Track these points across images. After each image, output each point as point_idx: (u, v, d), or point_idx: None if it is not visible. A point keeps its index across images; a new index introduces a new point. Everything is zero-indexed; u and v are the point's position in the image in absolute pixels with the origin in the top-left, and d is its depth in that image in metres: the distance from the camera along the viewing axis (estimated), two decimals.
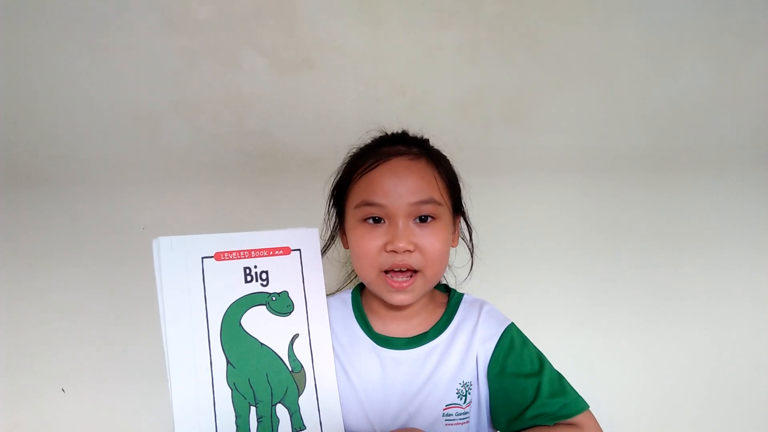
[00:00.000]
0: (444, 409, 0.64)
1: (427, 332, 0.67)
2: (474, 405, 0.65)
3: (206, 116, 1.02)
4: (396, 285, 0.62)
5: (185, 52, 1.00)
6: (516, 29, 1.07)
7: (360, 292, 0.73)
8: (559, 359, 0.68)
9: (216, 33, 1.00)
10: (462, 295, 0.72)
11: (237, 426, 0.57)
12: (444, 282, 0.77)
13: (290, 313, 0.63)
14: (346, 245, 0.70)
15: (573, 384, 0.64)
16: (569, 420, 0.60)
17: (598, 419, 0.62)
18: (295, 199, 1.02)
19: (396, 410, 0.64)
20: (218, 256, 0.60)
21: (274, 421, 0.59)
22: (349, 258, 0.69)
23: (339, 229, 0.72)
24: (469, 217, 0.74)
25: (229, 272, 0.60)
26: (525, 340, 0.67)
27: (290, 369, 0.61)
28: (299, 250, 0.64)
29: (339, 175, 0.70)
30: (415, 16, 1.04)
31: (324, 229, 0.73)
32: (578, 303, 1.09)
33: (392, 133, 0.70)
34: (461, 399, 0.64)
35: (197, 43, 1.00)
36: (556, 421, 0.60)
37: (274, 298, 0.62)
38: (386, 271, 0.63)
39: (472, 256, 0.77)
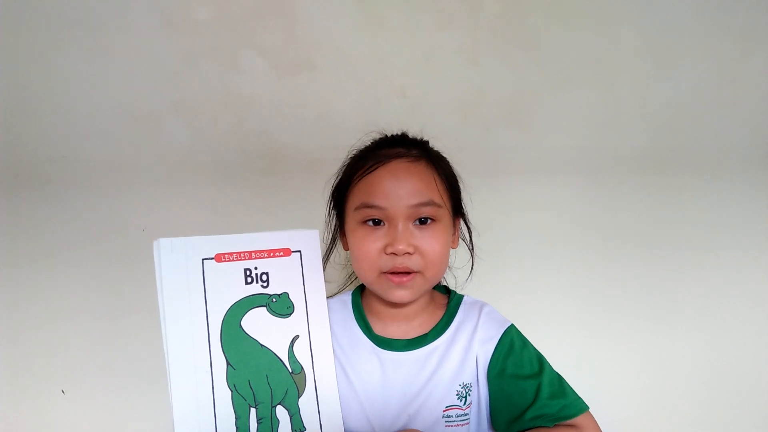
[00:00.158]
0: (444, 411, 0.64)
1: (427, 334, 0.67)
2: (474, 406, 0.65)
3: (206, 117, 1.02)
4: (396, 280, 0.62)
5: (185, 52, 1.00)
6: (516, 30, 1.07)
7: (360, 293, 0.73)
8: (558, 360, 0.68)
9: (216, 34, 1.00)
10: (462, 296, 0.72)
11: (237, 427, 0.57)
12: (444, 283, 0.77)
13: (290, 314, 0.63)
14: (346, 247, 0.70)
15: (573, 385, 0.64)
16: (569, 421, 0.60)
17: (597, 420, 0.62)
18: (296, 200, 1.02)
19: (396, 412, 0.65)
20: (218, 258, 0.60)
21: (274, 423, 0.59)
22: (349, 260, 0.69)
23: (339, 231, 0.72)
24: (469, 217, 0.74)
25: (230, 274, 0.61)
26: (525, 342, 0.67)
27: (290, 370, 0.61)
28: (300, 251, 0.65)
29: (339, 177, 0.70)
30: (414, 17, 1.04)
31: (325, 233, 0.73)
32: (578, 304, 1.09)
33: (392, 135, 0.70)
34: (461, 400, 0.64)
35: (197, 43, 1.00)
36: (556, 423, 0.60)
37: (274, 300, 0.62)
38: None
39: (472, 257, 0.78)
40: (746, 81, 1.13)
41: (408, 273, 0.62)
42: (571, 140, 1.10)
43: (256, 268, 0.62)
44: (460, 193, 0.70)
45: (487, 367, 0.65)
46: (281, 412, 0.60)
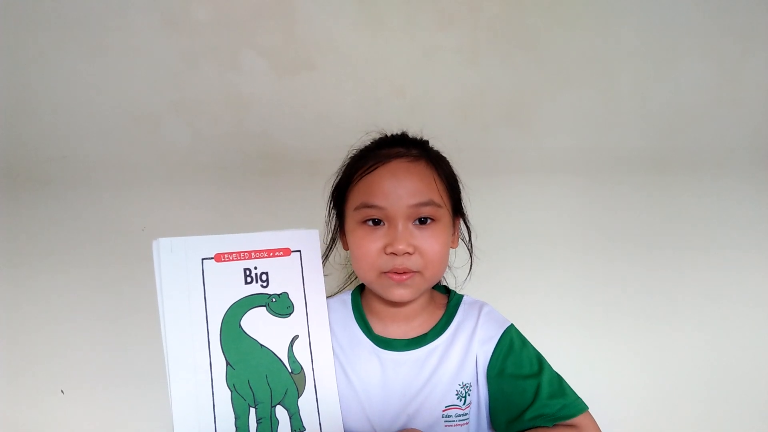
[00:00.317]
0: (443, 411, 0.64)
1: (426, 334, 0.67)
2: (473, 406, 0.65)
3: (206, 117, 1.02)
4: (396, 278, 0.62)
5: (185, 53, 1.00)
6: (516, 30, 1.07)
7: (360, 293, 0.73)
8: (558, 360, 0.68)
9: (216, 34, 1.00)
10: (461, 296, 0.72)
11: (236, 427, 0.57)
12: (444, 283, 0.77)
13: (290, 314, 0.63)
14: (346, 247, 0.70)
15: (572, 385, 0.64)
16: (568, 421, 0.60)
17: (597, 420, 0.62)
18: (295, 199, 1.02)
19: (395, 411, 0.65)
20: (218, 258, 0.60)
21: (273, 423, 0.59)
22: (349, 260, 0.69)
23: (339, 231, 0.72)
24: (469, 217, 0.74)
25: (229, 273, 0.61)
26: (524, 342, 0.67)
27: (290, 370, 0.61)
28: (299, 251, 0.65)
29: (338, 177, 0.70)
30: (414, 17, 1.04)
31: (325, 233, 0.73)
32: (578, 304, 1.09)
33: (392, 135, 0.70)
34: (461, 400, 0.64)
35: (197, 44, 1.00)
36: (556, 423, 0.60)
37: (274, 300, 0.62)
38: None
39: (471, 258, 0.78)
40: (746, 81, 1.13)
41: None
42: (571, 140, 1.10)
43: (255, 268, 0.62)
44: (459, 193, 0.70)
45: (486, 366, 0.65)
46: (281, 412, 0.60)
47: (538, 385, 0.62)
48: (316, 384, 0.62)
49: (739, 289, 1.12)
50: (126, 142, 1.00)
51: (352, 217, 0.65)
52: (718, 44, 1.12)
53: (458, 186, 0.69)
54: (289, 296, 0.63)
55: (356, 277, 0.73)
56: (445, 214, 0.64)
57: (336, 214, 0.72)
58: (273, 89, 1.02)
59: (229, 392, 0.58)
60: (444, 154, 0.70)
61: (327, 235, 0.74)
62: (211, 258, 0.60)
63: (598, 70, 1.10)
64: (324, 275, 0.66)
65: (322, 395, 0.62)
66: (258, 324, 0.61)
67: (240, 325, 0.60)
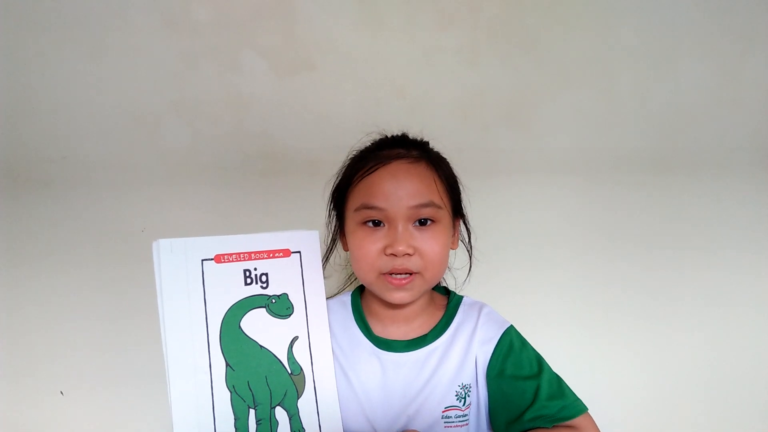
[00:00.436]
0: (443, 412, 0.64)
1: (426, 335, 0.67)
2: (473, 407, 0.65)
3: (206, 118, 1.02)
4: (396, 282, 0.62)
5: (185, 53, 1.00)
6: (515, 31, 1.07)
7: (360, 294, 0.73)
8: (558, 362, 0.68)
9: (216, 34, 1.00)
10: (461, 297, 0.72)
11: (236, 428, 0.57)
12: (444, 284, 0.77)
13: (290, 315, 0.63)
14: (346, 248, 0.70)
15: (572, 386, 0.64)
16: (568, 422, 0.60)
17: (597, 421, 0.62)
18: (295, 200, 1.02)
19: (395, 412, 0.65)
20: (218, 259, 0.60)
21: (273, 424, 0.59)
22: (348, 261, 0.69)
23: (339, 232, 0.72)
24: (469, 218, 0.74)
25: (229, 274, 0.61)
26: (524, 343, 0.67)
27: (289, 371, 0.61)
28: (299, 252, 0.65)
29: (339, 178, 0.70)
30: (414, 17, 1.04)
31: (326, 234, 0.73)
32: (577, 305, 1.09)
33: (392, 136, 0.70)
34: (460, 401, 0.64)
35: (197, 44, 1.00)
36: (555, 424, 0.60)
37: (273, 301, 0.62)
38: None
39: (470, 259, 0.78)
40: (746, 81, 1.13)
41: (408, 275, 0.62)
42: (571, 141, 1.10)
43: (255, 269, 0.62)
44: (460, 194, 0.70)
45: (486, 367, 0.65)
46: (280, 413, 0.60)
47: (538, 386, 0.62)
48: (316, 385, 0.62)
49: (739, 289, 1.12)
50: (126, 143, 1.00)
51: (352, 218, 0.65)
52: (718, 44, 1.11)
53: (458, 187, 0.69)
54: (289, 297, 0.63)
55: (356, 279, 0.73)
56: (445, 215, 0.64)
57: (336, 215, 0.72)
58: (273, 89, 1.02)
59: (229, 393, 0.58)
60: (444, 155, 0.70)
61: (327, 237, 0.74)
62: (211, 259, 0.60)
63: (598, 70, 1.10)
64: (324, 277, 0.66)
65: (322, 396, 0.63)
66: (258, 325, 0.61)
67: (240, 326, 0.60)
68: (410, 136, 0.70)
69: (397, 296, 0.63)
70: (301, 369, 0.62)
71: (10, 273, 0.97)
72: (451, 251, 0.68)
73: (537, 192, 1.10)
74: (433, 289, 0.71)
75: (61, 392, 0.97)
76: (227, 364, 0.58)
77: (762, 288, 1.12)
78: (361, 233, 0.63)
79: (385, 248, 0.61)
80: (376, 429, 0.64)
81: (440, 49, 1.06)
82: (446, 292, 0.75)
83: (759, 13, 1.11)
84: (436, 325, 0.68)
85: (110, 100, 0.99)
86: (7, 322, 0.96)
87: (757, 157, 1.14)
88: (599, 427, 0.62)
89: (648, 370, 1.10)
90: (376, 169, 0.63)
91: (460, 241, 0.73)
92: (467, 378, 0.65)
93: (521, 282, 1.08)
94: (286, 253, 0.64)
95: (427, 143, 0.70)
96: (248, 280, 0.61)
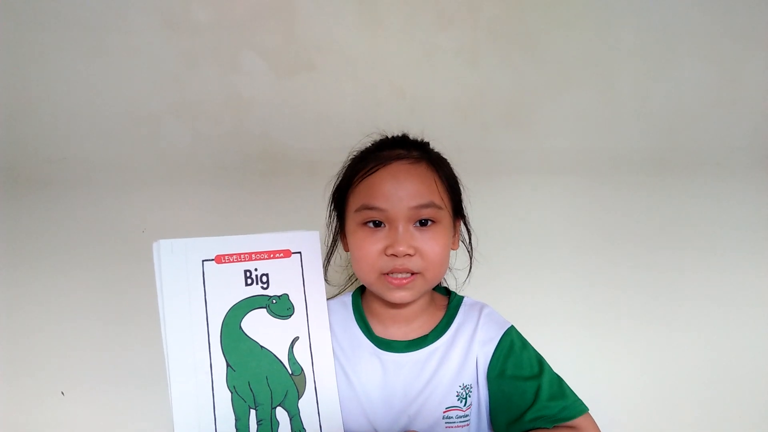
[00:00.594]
0: (444, 412, 0.64)
1: (427, 335, 0.67)
2: (474, 408, 0.65)
3: (206, 118, 1.02)
4: (396, 282, 0.62)
5: (185, 54, 1.00)
6: (515, 31, 1.07)
7: (360, 295, 0.73)
8: (558, 362, 0.68)
9: (216, 35, 1.00)
10: (462, 298, 0.72)
11: (237, 429, 0.57)
12: (445, 285, 0.77)
13: (290, 316, 0.63)
14: (346, 248, 0.70)
15: (572, 387, 0.64)
16: (568, 423, 0.60)
17: (597, 422, 0.62)
18: (295, 201, 1.02)
19: (396, 413, 0.65)
20: (219, 259, 0.60)
21: (273, 424, 0.59)
22: (349, 261, 0.69)
23: (340, 233, 0.72)
24: (469, 219, 0.74)
25: (230, 275, 0.61)
26: (524, 343, 0.67)
27: (290, 372, 0.61)
28: (300, 252, 0.65)
29: (339, 179, 0.70)
30: (414, 18, 1.04)
31: (327, 235, 0.73)
32: (578, 305, 1.09)
33: (393, 137, 0.70)
34: (461, 402, 0.64)
35: (197, 45, 1.00)
36: (556, 424, 0.60)
37: (274, 301, 0.62)
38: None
39: (470, 260, 0.78)
40: (746, 81, 1.13)
41: (409, 274, 0.62)
42: (571, 141, 1.10)
43: (256, 270, 0.62)
44: (460, 194, 0.70)
45: (486, 368, 0.65)
46: (281, 414, 0.60)
47: (539, 386, 0.62)
48: (317, 385, 0.62)
49: (739, 289, 1.12)
50: (126, 143, 1.00)
51: (352, 219, 0.65)
52: (718, 44, 1.12)
53: (459, 188, 0.69)
54: (290, 298, 0.63)
55: (356, 279, 0.73)
56: (445, 216, 0.64)
57: (336, 216, 0.72)
58: (273, 90, 1.02)
59: (230, 394, 0.58)
60: (444, 155, 0.70)
61: (328, 237, 0.74)
62: (212, 259, 0.60)
63: (597, 71, 1.10)
64: (326, 279, 0.66)
65: (323, 397, 0.62)
66: (258, 325, 0.61)
67: (240, 326, 0.60)
68: (411, 136, 0.70)
69: (398, 296, 0.63)
70: (302, 369, 0.62)
71: (11, 273, 0.97)
72: (452, 252, 0.68)
73: (537, 192, 1.10)
74: (433, 289, 0.71)
75: (62, 392, 0.97)
76: (228, 365, 0.58)
77: (762, 288, 1.13)
78: (362, 234, 0.63)
79: (385, 249, 0.61)
80: (377, 429, 0.64)
81: (440, 49, 1.06)
82: (447, 292, 0.75)
83: (759, 13, 1.11)
84: (437, 326, 0.68)
85: (110, 101, 0.99)
86: (7, 322, 0.96)
87: (757, 157, 1.14)
88: (600, 428, 0.62)
89: (648, 370, 1.10)
90: (377, 170, 0.63)
91: (460, 242, 0.73)
92: (468, 378, 0.65)
93: (522, 282, 1.08)
94: (287, 253, 0.64)
95: (428, 144, 0.70)
96: (249, 281, 0.61)
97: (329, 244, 0.74)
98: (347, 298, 0.73)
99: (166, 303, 0.57)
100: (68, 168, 0.99)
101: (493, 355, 0.65)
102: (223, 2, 1.00)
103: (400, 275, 0.62)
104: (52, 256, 0.97)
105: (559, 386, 0.63)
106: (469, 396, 0.65)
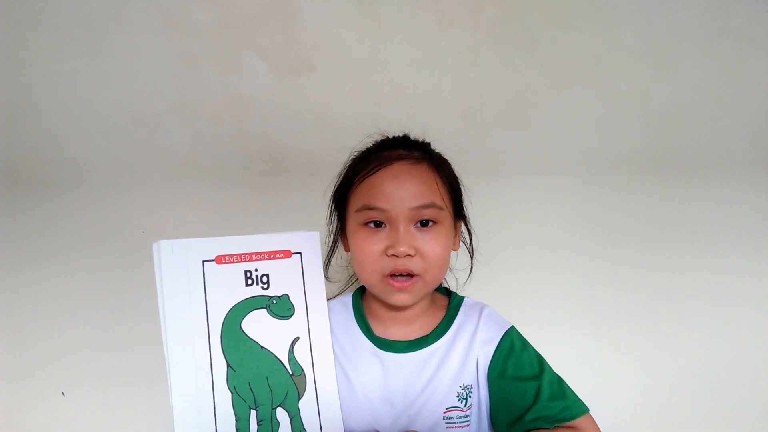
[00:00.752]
0: (444, 412, 0.64)
1: (427, 335, 0.67)
2: (474, 408, 0.65)
3: (206, 119, 1.02)
4: (397, 285, 0.62)
5: (185, 54, 1.00)
6: (516, 32, 1.07)
7: (361, 295, 0.73)
8: (559, 362, 0.68)
9: (216, 36, 1.00)
10: (462, 298, 0.72)
11: (237, 429, 0.57)
12: (445, 285, 0.78)
13: (291, 316, 0.63)
14: (347, 248, 0.70)
15: (573, 387, 0.64)
16: (569, 423, 0.60)
17: (598, 422, 0.62)
18: (296, 201, 1.02)
19: (397, 413, 0.65)
20: (219, 260, 0.60)
21: (274, 425, 0.59)
22: (349, 261, 0.69)
23: (340, 233, 0.72)
24: (470, 219, 0.74)
25: (230, 275, 0.61)
26: (525, 344, 0.67)
27: (291, 372, 0.61)
28: (300, 253, 0.65)
29: (340, 179, 0.70)
30: (414, 18, 1.04)
31: (328, 236, 0.73)
32: (578, 306, 1.09)
33: (393, 137, 0.70)
34: (462, 402, 0.64)
35: (197, 45, 1.00)
36: (556, 424, 0.60)
37: (274, 302, 0.62)
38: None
39: (471, 260, 0.78)
40: (746, 81, 1.13)
41: (409, 277, 0.62)
42: (571, 141, 1.10)
43: (256, 270, 0.62)
44: (461, 195, 0.70)
45: (487, 368, 0.65)
46: (281, 414, 0.60)
47: (539, 386, 0.62)
48: (317, 386, 0.62)
49: (739, 289, 1.12)
50: (126, 144, 1.00)
51: (353, 219, 0.65)
52: (718, 44, 1.12)
53: (460, 188, 0.69)
54: (290, 298, 0.63)
55: (357, 279, 0.73)
56: (446, 216, 0.64)
57: (337, 217, 0.72)
58: (273, 90, 1.02)
59: (230, 394, 0.58)
60: (444, 156, 0.70)
61: (328, 238, 0.74)
62: (212, 260, 0.60)
63: (597, 71, 1.10)
64: (327, 279, 0.66)
65: (323, 397, 0.62)
66: (259, 326, 0.61)
67: (241, 327, 0.60)
68: (411, 137, 0.70)
69: (399, 298, 0.63)
70: (302, 370, 0.62)
71: (11, 273, 0.96)
72: (453, 252, 0.68)
73: (537, 193, 1.10)
74: (434, 289, 0.71)
75: (63, 393, 0.97)
76: (228, 365, 0.58)
77: (762, 288, 1.13)
78: (363, 234, 0.63)
79: (386, 249, 0.61)
80: (378, 429, 0.64)
81: (440, 49, 1.06)
82: (447, 292, 0.75)
83: (759, 13, 1.11)
84: (438, 326, 0.68)
85: (110, 101, 0.99)
86: (7, 322, 0.96)
87: (757, 157, 1.14)
88: (600, 428, 0.62)
89: (649, 370, 1.10)
90: (378, 170, 0.63)
91: (461, 242, 0.73)
92: (468, 379, 0.65)
93: (522, 282, 1.08)
94: (287, 254, 0.64)
95: (429, 144, 0.70)
96: (249, 281, 0.61)
97: (330, 245, 0.74)
98: (347, 299, 0.73)
99: (166, 303, 0.57)
100: (68, 168, 0.99)
101: (493, 356, 0.65)
102: (223, 2, 1.00)
103: (401, 278, 0.62)
104: (52, 257, 0.97)
105: (560, 386, 0.63)
106: (470, 396, 0.65)
